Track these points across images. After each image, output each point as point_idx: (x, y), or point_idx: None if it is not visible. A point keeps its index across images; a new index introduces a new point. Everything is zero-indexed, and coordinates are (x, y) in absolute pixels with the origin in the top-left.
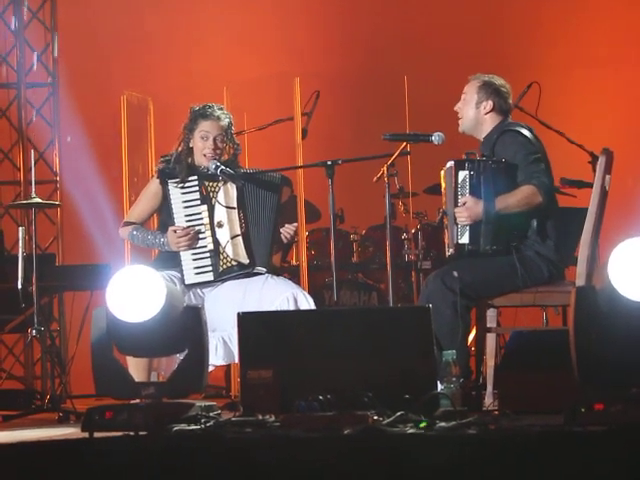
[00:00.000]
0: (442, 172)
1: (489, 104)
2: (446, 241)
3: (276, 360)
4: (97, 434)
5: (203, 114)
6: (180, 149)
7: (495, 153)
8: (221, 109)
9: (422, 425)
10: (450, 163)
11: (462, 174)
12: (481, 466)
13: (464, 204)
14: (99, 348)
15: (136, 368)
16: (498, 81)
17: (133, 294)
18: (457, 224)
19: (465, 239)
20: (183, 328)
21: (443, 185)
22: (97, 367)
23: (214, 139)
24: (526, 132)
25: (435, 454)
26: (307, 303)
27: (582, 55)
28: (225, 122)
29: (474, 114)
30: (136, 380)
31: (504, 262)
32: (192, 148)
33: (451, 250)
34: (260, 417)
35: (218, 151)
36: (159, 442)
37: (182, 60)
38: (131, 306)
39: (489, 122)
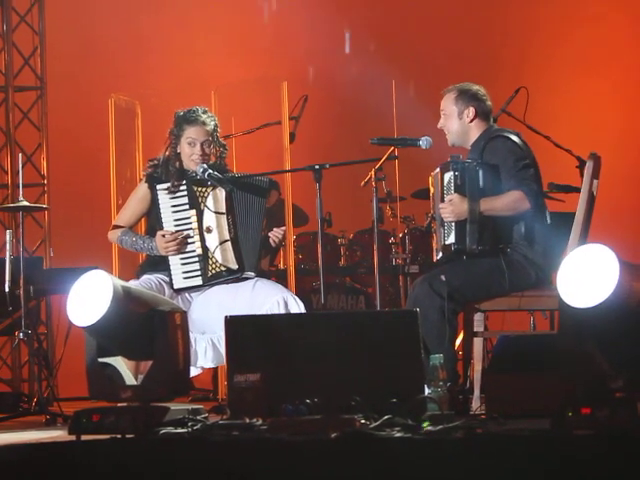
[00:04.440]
0: (430, 178)
1: (471, 111)
2: (434, 246)
3: (263, 363)
4: (84, 437)
5: (188, 120)
6: (167, 154)
7: (484, 159)
8: (205, 112)
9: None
10: (437, 169)
11: (447, 176)
12: (468, 470)
13: (450, 201)
14: (90, 351)
15: (124, 371)
16: (473, 87)
17: (85, 300)
18: (444, 226)
19: (451, 239)
20: (148, 332)
21: (431, 190)
22: (89, 370)
23: (201, 145)
24: (514, 137)
25: (422, 458)
26: (297, 307)
27: (571, 60)
28: (211, 126)
29: (459, 126)
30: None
31: (492, 265)
32: (180, 153)
33: (440, 254)
34: (247, 420)
35: (206, 157)
36: (146, 445)
37: (170, 64)
38: (81, 311)
39: (475, 130)
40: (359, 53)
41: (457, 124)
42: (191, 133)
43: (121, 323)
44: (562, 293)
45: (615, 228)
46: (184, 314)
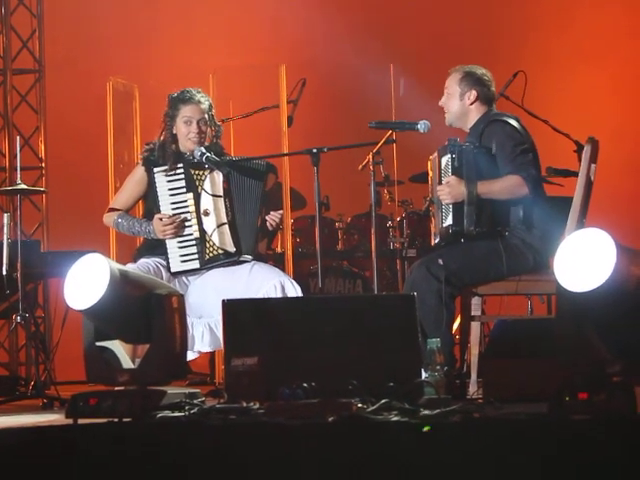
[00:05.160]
0: (429, 162)
1: (473, 94)
2: (432, 229)
3: (261, 347)
4: (81, 420)
5: (183, 99)
6: (163, 137)
7: (482, 143)
8: (199, 92)
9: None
10: (435, 152)
11: (445, 158)
12: (465, 454)
13: (447, 183)
14: (87, 334)
15: (122, 354)
16: (479, 70)
17: (82, 283)
18: (442, 209)
19: (449, 221)
20: (145, 316)
21: (430, 174)
22: (86, 353)
23: (197, 123)
24: (513, 122)
25: (419, 442)
26: (294, 291)
27: (569, 48)
28: (206, 105)
29: (459, 106)
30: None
31: (489, 249)
32: (176, 135)
33: (438, 238)
34: (244, 404)
35: (202, 135)
36: (143, 429)
37: (168, 47)
38: (78, 294)
39: (474, 112)
40: (357, 37)
41: (457, 105)
42: (187, 112)
43: (118, 306)
44: (559, 277)
45: (612, 212)
46: (181, 297)
